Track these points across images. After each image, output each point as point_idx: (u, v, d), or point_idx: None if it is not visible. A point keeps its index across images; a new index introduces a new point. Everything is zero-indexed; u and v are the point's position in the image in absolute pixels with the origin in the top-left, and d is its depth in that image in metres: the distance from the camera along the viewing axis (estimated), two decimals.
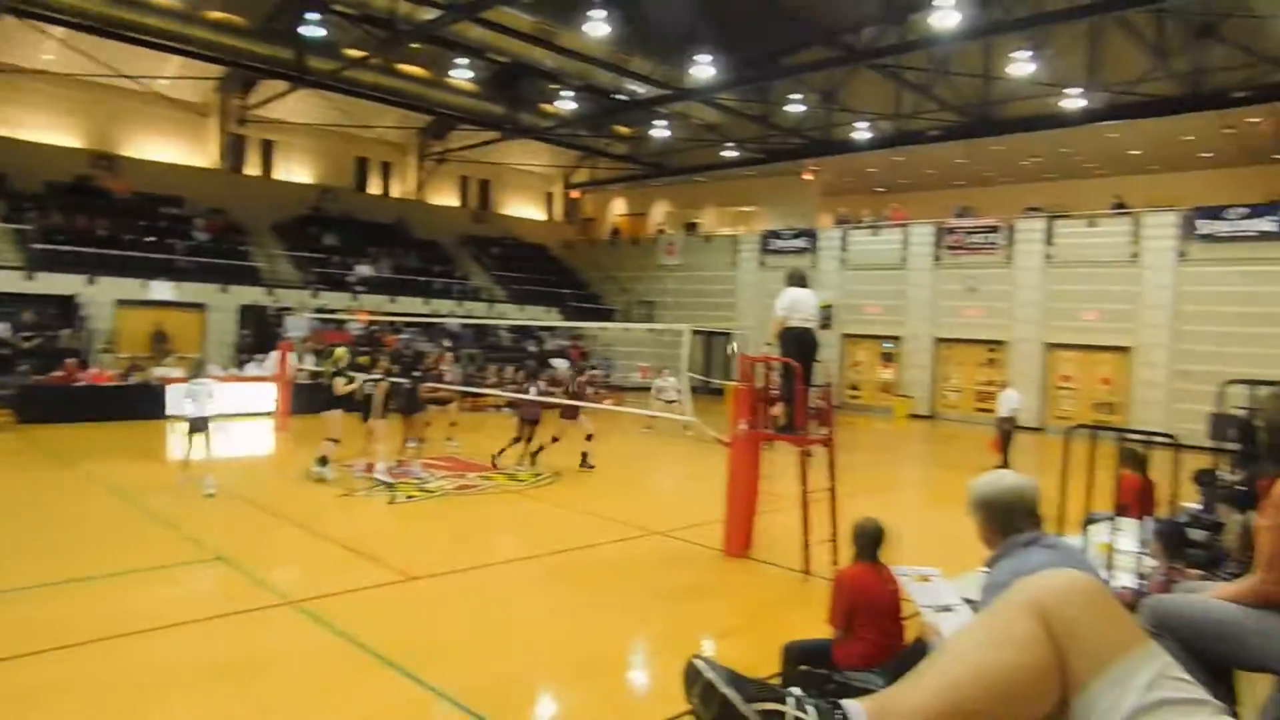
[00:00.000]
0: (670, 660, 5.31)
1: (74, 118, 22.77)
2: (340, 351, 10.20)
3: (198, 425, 9.69)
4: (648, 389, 17.66)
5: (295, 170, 27.27)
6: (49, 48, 20.84)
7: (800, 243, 25.69)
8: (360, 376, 10.46)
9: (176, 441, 14.08)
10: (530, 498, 10.19)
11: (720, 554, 7.70)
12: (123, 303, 19.26)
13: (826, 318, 23.57)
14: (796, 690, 1.08)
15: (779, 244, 26.25)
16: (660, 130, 27.00)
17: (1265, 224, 17.76)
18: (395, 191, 29.95)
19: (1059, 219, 21.24)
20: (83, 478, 10.34)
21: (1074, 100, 19.35)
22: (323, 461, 10.19)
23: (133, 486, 9.53)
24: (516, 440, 11.69)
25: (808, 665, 3.98)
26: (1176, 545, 3.70)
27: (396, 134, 28.71)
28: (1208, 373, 18.09)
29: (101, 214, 20.77)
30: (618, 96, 23.78)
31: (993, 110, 21.15)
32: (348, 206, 27.43)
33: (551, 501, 9.98)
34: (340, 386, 10.34)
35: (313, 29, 19.66)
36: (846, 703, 1.06)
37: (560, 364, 23.49)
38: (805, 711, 1.03)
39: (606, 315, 28.96)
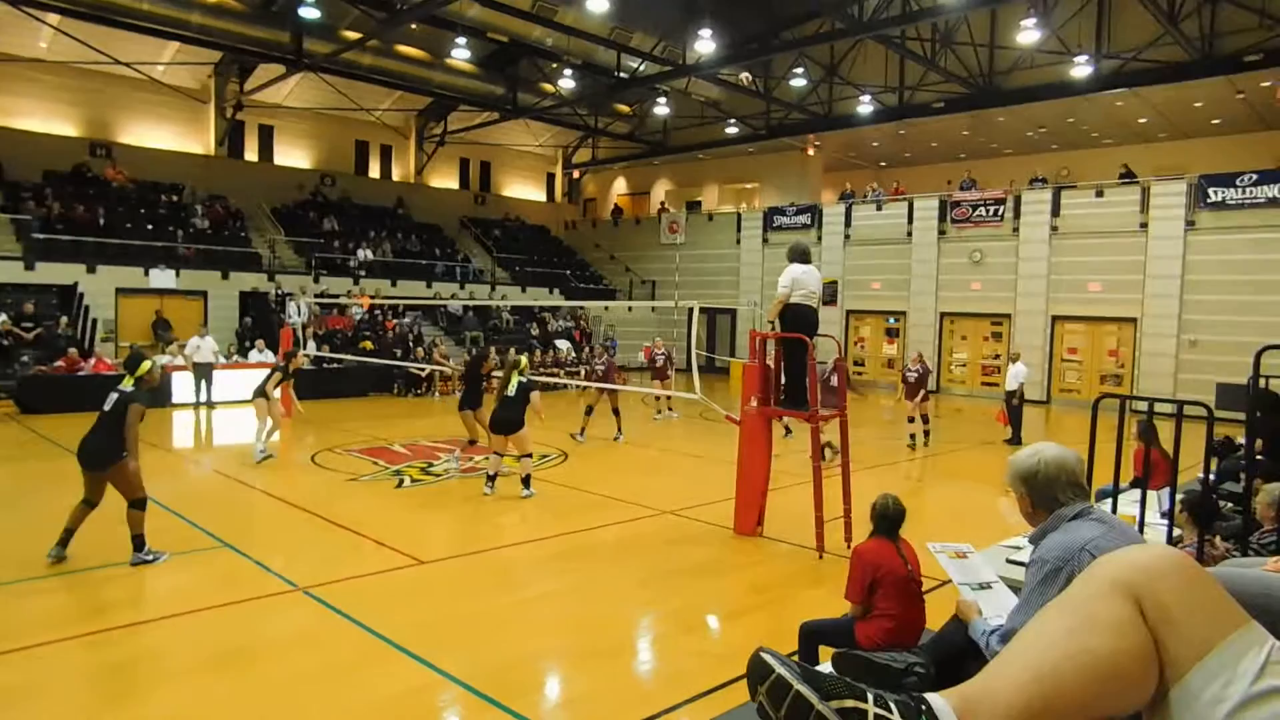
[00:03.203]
0: (682, 640, 5.25)
1: (71, 106, 22.60)
2: (524, 360, 9.38)
3: None
4: (650, 368, 17.55)
5: (294, 155, 27.09)
6: (44, 35, 20.66)
7: (804, 219, 25.49)
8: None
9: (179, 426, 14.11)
10: (538, 479, 10.11)
11: (731, 533, 7.63)
12: (123, 291, 19.21)
13: (831, 294, 23.45)
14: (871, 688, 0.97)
15: (782, 220, 26.05)
16: (661, 108, 26.75)
17: (1277, 190, 17.55)
18: (395, 175, 29.76)
19: (1065, 189, 21.03)
20: None
21: (1081, 68, 19.07)
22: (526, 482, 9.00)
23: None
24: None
25: (827, 645, 3.90)
26: (1207, 516, 3.59)
27: (396, 117, 28.49)
28: (1216, 343, 17.99)
29: (101, 202, 20.66)
30: (618, 74, 23.50)
31: (998, 80, 20.90)
32: (348, 190, 27.29)
33: (559, 482, 9.92)
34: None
35: (310, 11, 19.42)
36: (931, 697, 0.95)
37: (563, 345, 23.47)
38: (888, 709, 0.93)
39: (609, 295, 28.86)
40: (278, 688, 4.38)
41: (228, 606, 5.57)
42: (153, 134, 23.95)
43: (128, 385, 6.57)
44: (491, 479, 9.05)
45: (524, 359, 9.51)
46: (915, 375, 13.13)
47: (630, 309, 27.46)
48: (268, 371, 11.22)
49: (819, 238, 24.64)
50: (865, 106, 23.01)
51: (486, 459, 10.51)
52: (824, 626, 4.08)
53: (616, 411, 13.49)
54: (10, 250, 18.35)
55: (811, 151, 28.32)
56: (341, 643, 4.99)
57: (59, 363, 15.17)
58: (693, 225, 28.85)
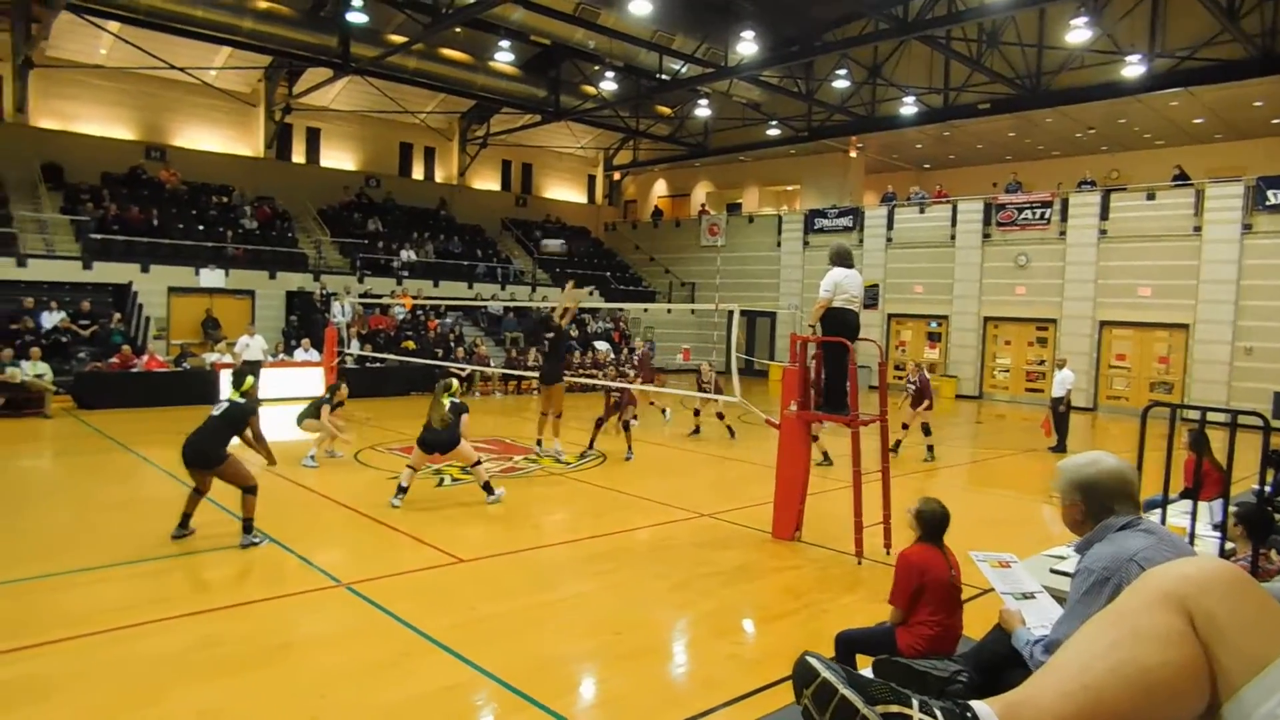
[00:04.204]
0: (717, 643, 5.23)
1: (127, 110, 23.28)
2: (455, 384, 9.37)
3: None
4: (690, 371, 17.67)
5: (340, 157, 27.57)
6: (104, 42, 21.34)
7: (845, 221, 25.25)
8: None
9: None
10: (575, 480, 10.17)
11: (768, 536, 7.59)
12: (175, 290, 19.72)
13: (872, 297, 23.20)
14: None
15: (823, 223, 25.85)
16: (702, 109, 26.72)
17: None
18: (438, 176, 30.13)
19: (1115, 192, 20.55)
20: (136, 462, 10.56)
21: (1134, 67, 18.63)
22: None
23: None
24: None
25: (866, 654, 3.86)
26: (1262, 529, 3.48)
27: (439, 119, 28.85)
28: (1273, 350, 17.44)
29: (154, 204, 21.23)
30: (660, 76, 23.52)
31: (1046, 81, 20.49)
32: (392, 192, 27.70)
33: (597, 484, 9.95)
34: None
35: (356, 16, 19.77)
36: (976, 704, 0.95)
37: (603, 346, 23.55)
38: (934, 715, 0.92)
39: (649, 297, 28.88)
40: (318, 681, 4.45)
41: (272, 600, 5.69)
42: (204, 137, 24.57)
43: (236, 397, 7.21)
44: (403, 490, 8.56)
45: (454, 381, 9.29)
46: (915, 386, 12.55)
47: (670, 311, 27.46)
48: (312, 402, 10.99)
49: (860, 240, 24.40)
50: (909, 108, 22.74)
51: (526, 458, 10.60)
52: (862, 635, 4.04)
53: (627, 426, 11.89)
54: (69, 250, 18.96)
55: (853, 153, 28.07)
56: (382, 638, 5.07)
57: (113, 359, 15.61)
58: (733, 227, 28.77)
